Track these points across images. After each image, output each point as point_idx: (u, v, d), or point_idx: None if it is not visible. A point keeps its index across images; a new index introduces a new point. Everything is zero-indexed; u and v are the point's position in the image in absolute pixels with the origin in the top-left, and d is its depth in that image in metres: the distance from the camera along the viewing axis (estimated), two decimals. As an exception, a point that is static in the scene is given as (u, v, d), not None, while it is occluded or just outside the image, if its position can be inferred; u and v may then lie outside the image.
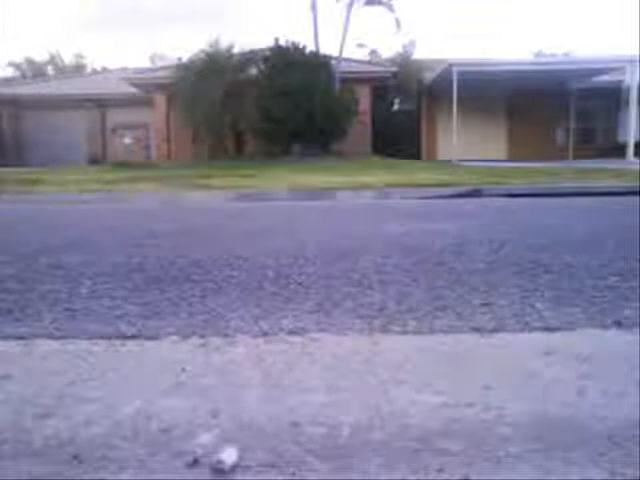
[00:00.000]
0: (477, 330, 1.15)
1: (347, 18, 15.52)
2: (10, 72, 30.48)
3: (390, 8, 15.97)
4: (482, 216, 3.41)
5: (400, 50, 20.38)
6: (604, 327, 1.16)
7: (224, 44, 16.15)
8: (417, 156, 17.61)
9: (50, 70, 32.59)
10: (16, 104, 21.39)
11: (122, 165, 13.45)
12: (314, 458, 0.68)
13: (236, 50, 16.19)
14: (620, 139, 18.01)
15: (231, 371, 0.96)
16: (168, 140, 18.72)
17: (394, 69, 17.16)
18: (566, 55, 23.25)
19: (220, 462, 0.67)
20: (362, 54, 20.93)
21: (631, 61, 15.29)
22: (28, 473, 0.66)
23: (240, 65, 15.81)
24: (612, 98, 18.40)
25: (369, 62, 19.57)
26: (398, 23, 16.22)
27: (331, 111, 13.92)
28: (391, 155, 14.68)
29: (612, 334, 1.13)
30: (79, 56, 33.45)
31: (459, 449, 0.69)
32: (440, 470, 0.65)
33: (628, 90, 16.25)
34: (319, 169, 9.89)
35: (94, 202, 5.39)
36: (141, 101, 19.40)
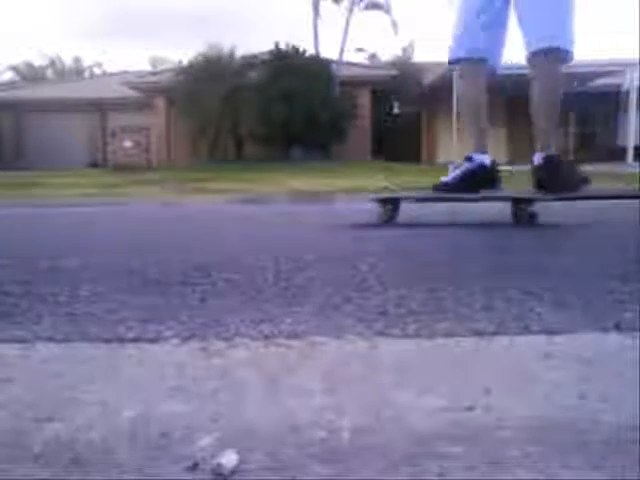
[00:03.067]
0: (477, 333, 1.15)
1: (347, 22, 15.58)
2: (10, 76, 30.52)
3: (387, 11, 16.06)
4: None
5: (400, 53, 20.44)
6: (604, 330, 1.16)
7: (224, 47, 16.19)
8: (417, 159, 17.62)
9: (50, 74, 32.61)
10: (16, 108, 21.40)
11: (122, 168, 13.44)
12: (314, 462, 0.68)
13: (236, 54, 16.21)
14: (620, 142, 18.02)
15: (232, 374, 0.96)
16: (168, 143, 18.73)
17: (394, 72, 17.19)
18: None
19: (220, 466, 0.66)
20: (362, 58, 20.97)
21: (631, 65, 15.30)
22: (27, 477, 0.66)
23: (240, 69, 15.83)
24: (612, 101, 18.40)
25: (369, 66, 19.61)
26: (395, 25, 16.32)
27: (331, 115, 13.93)
28: (391, 158, 14.70)
29: (612, 337, 1.12)
30: (79, 60, 33.49)
31: (459, 453, 0.69)
32: (440, 474, 0.65)
33: (628, 93, 16.26)
34: (318, 173, 9.90)
35: (97, 205, 5.43)
36: (141, 105, 19.40)
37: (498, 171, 3.33)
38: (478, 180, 3.22)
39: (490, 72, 3.35)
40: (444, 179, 3.30)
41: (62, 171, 13.67)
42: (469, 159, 3.29)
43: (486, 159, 3.30)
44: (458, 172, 3.28)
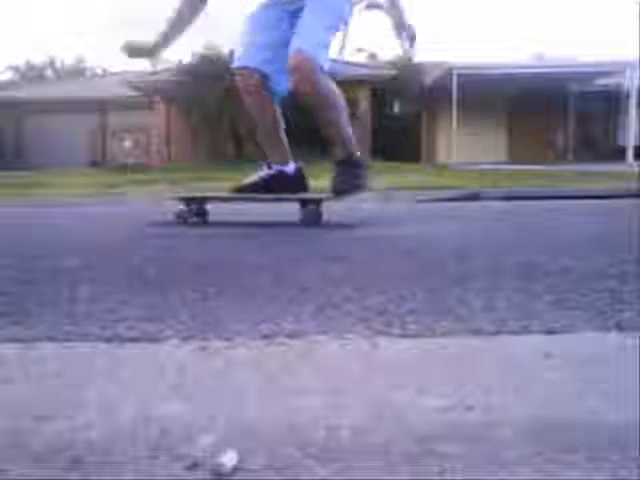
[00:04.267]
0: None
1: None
2: (10, 75, 30.53)
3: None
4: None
5: (400, 53, 20.43)
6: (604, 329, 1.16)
7: (222, 47, 16.16)
8: (417, 159, 17.60)
9: (50, 73, 32.60)
10: (16, 107, 21.38)
11: (122, 168, 13.44)
12: (314, 461, 0.68)
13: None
14: (620, 142, 17.99)
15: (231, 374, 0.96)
16: (168, 143, 18.70)
17: (394, 72, 17.15)
18: (566, 58, 23.28)
19: (220, 465, 0.66)
20: (362, 58, 20.95)
21: (631, 64, 15.28)
22: (26, 477, 0.66)
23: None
24: (612, 101, 18.37)
25: (369, 65, 19.59)
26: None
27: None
28: (391, 158, 14.68)
29: (612, 337, 1.12)
30: (79, 59, 33.48)
31: (460, 452, 0.69)
32: (440, 473, 0.65)
33: (628, 93, 16.24)
34: (317, 172, 9.89)
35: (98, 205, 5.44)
36: (141, 104, 19.37)
37: (304, 177, 3.44)
38: (277, 186, 3.32)
39: (275, 91, 3.34)
40: (242, 182, 3.42)
41: (62, 171, 13.67)
42: (268, 166, 3.41)
43: (288, 168, 3.40)
44: (255, 177, 3.40)
